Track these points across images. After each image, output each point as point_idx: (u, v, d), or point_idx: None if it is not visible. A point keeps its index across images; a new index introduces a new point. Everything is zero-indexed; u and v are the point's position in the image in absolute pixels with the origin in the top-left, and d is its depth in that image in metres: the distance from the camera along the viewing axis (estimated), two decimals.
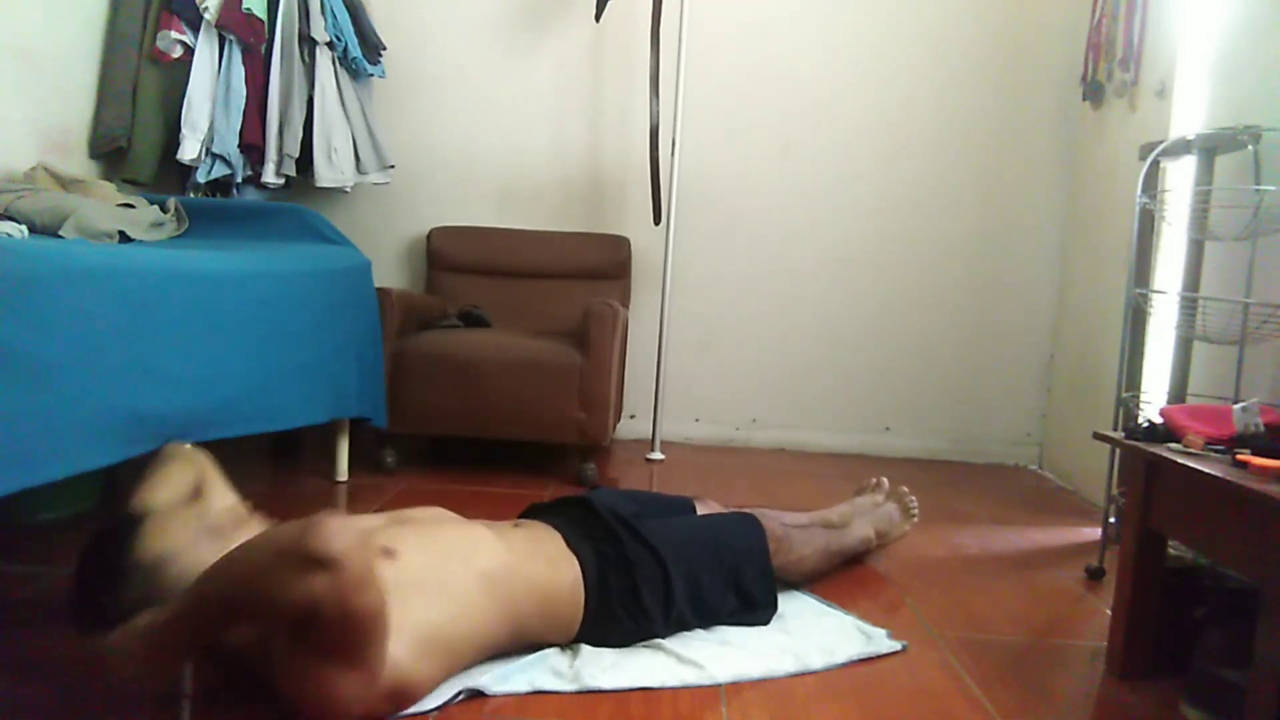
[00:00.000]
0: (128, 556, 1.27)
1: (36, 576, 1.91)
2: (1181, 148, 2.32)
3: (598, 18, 3.39)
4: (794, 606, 1.93)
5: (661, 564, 1.70)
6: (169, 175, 3.08)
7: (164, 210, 2.53)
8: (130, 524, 1.31)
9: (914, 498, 2.32)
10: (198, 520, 1.36)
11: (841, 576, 2.17)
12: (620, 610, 1.66)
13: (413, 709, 1.42)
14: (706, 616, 1.78)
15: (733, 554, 1.84)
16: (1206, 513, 1.57)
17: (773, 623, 1.84)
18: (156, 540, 1.29)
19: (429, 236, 3.49)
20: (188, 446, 1.49)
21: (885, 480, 2.40)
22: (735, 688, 1.59)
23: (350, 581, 1.18)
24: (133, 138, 2.94)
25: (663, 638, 1.70)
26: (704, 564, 1.78)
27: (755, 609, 1.84)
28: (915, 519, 2.32)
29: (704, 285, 3.60)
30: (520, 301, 3.42)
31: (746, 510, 2.01)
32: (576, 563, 1.65)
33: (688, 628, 1.75)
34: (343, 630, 1.22)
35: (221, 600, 1.23)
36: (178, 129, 2.97)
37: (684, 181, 3.39)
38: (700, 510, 2.08)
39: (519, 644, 1.60)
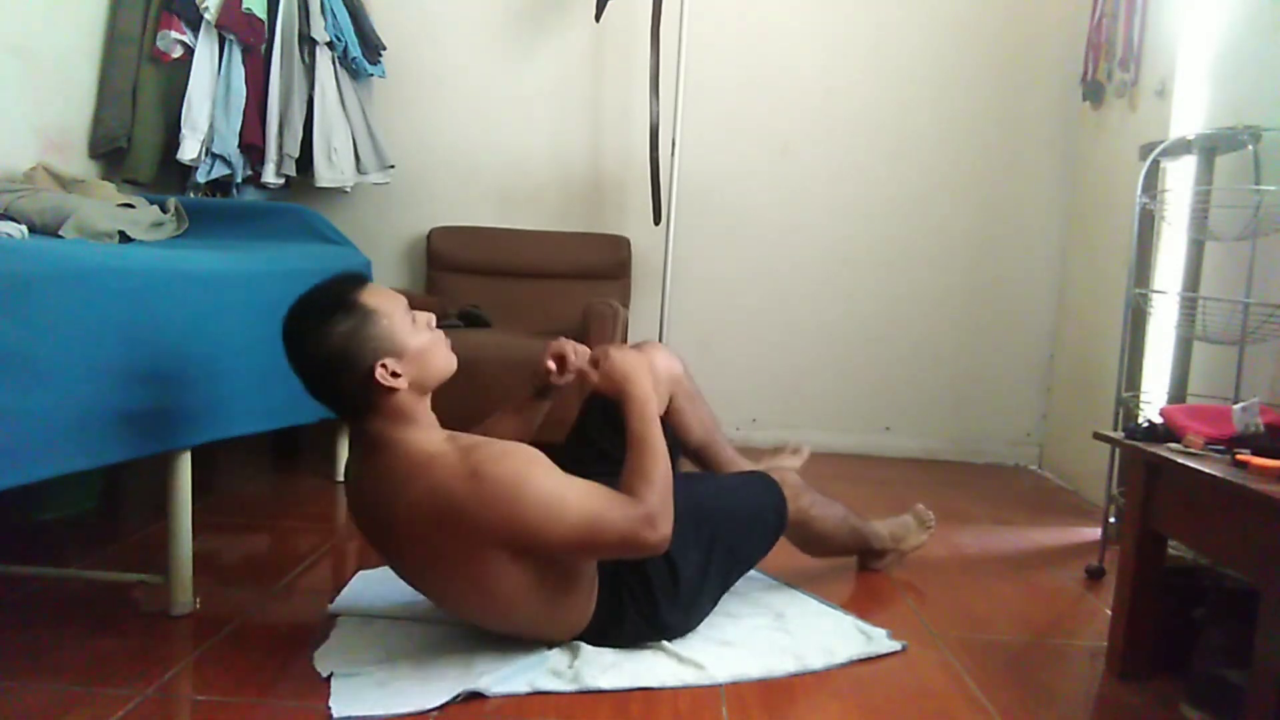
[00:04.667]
0: (355, 296, 1.47)
1: (36, 577, 1.91)
2: (1181, 148, 2.32)
3: (598, 18, 3.39)
4: (794, 607, 1.94)
5: (668, 557, 1.69)
6: (169, 175, 3.08)
7: (164, 210, 2.53)
8: (361, 280, 1.53)
9: (932, 513, 2.31)
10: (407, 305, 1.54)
11: (842, 577, 2.17)
12: (631, 608, 1.66)
13: (413, 709, 1.43)
14: (724, 589, 1.82)
15: (745, 519, 1.85)
16: (1206, 513, 1.57)
17: (773, 623, 1.85)
18: (379, 297, 1.50)
19: (429, 236, 3.49)
20: None
21: (805, 448, 2.43)
22: (735, 688, 1.59)
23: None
24: (133, 138, 2.94)
25: (670, 637, 1.70)
26: (718, 542, 1.77)
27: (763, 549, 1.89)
28: (932, 530, 2.30)
29: (704, 285, 3.60)
30: (520, 301, 3.42)
31: (760, 472, 2.00)
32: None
33: (704, 613, 1.77)
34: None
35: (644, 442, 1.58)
36: (178, 129, 2.97)
37: (684, 181, 3.39)
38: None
39: (530, 635, 1.62)
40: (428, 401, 1.56)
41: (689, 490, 1.83)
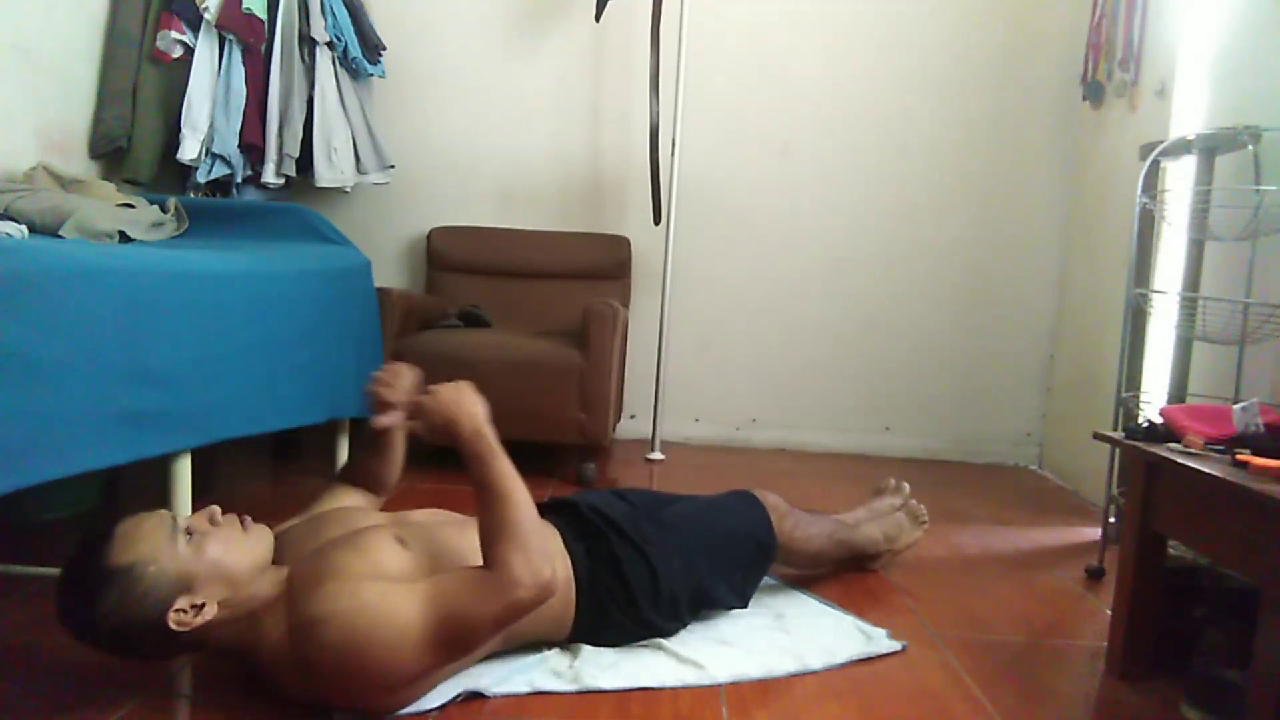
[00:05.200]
0: (103, 563, 1.27)
1: (36, 577, 1.90)
2: (1181, 148, 2.32)
3: (598, 18, 3.39)
4: (794, 607, 1.94)
5: (648, 562, 1.69)
6: (169, 175, 3.08)
7: (164, 210, 2.53)
8: (103, 534, 1.31)
9: (924, 507, 2.31)
10: (171, 524, 1.35)
11: (842, 577, 2.17)
12: (614, 609, 1.66)
13: (413, 709, 1.42)
14: (709, 605, 1.80)
15: (732, 536, 1.85)
16: (1206, 513, 1.57)
17: (773, 623, 1.85)
18: (129, 547, 1.29)
19: (429, 236, 3.49)
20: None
21: (906, 484, 2.36)
22: (735, 688, 1.59)
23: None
24: (133, 138, 2.94)
25: (663, 635, 1.70)
26: (703, 552, 1.78)
27: (756, 579, 1.88)
28: (926, 526, 2.30)
29: (704, 285, 3.60)
30: (520, 301, 3.42)
31: (745, 490, 2.00)
32: (569, 561, 1.65)
33: (686, 618, 1.76)
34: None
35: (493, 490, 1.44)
36: (178, 129, 2.97)
37: (684, 181, 3.39)
38: None
39: (513, 640, 1.60)
40: (257, 585, 1.37)
41: (673, 507, 1.86)
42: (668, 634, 1.72)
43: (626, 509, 1.81)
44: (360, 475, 1.77)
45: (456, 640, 1.37)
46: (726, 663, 1.64)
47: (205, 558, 1.33)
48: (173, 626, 1.28)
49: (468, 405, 1.51)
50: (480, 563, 1.43)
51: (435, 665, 1.38)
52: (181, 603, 1.29)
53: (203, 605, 1.31)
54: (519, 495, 1.45)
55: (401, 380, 1.62)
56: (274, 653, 1.34)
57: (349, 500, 1.72)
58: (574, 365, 2.84)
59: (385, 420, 1.59)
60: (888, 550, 2.23)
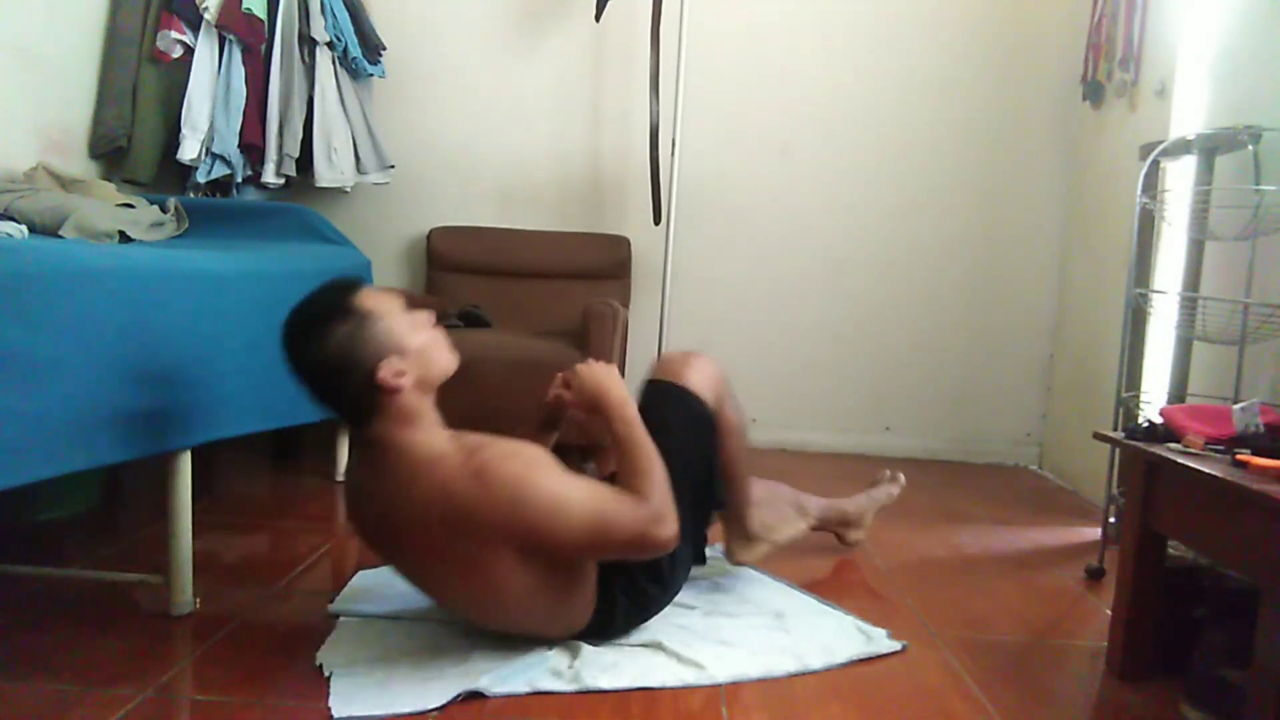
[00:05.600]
0: (351, 300, 1.46)
1: (36, 577, 1.91)
2: (1181, 148, 2.32)
3: (598, 18, 3.39)
4: (794, 606, 1.94)
5: None
6: (169, 175, 3.08)
7: (164, 210, 2.53)
8: (355, 283, 1.51)
9: (893, 473, 2.41)
10: (404, 303, 1.54)
11: (842, 576, 2.17)
12: (618, 590, 1.67)
13: (413, 709, 1.43)
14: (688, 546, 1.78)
15: (682, 445, 1.76)
16: (1206, 513, 1.57)
17: (773, 622, 1.85)
18: (375, 299, 1.49)
19: (429, 236, 3.49)
20: None
21: (901, 475, 2.44)
22: (735, 688, 1.59)
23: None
24: (133, 138, 2.94)
25: (659, 604, 1.73)
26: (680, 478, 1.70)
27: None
28: (901, 480, 2.40)
29: (704, 285, 3.60)
30: (520, 301, 3.42)
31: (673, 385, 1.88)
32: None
33: (671, 590, 1.77)
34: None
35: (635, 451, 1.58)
36: (178, 129, 2.97)
37: (684, 181, 3.39)
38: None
39: (537, 632, 1.63)
40: (431, 400, 1.55)
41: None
42: (667, 595, 1.75)
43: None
44: None
45: (596, 536, 1.49)
46: (726, 663, 1.65)
47: (420, 339, 1.52)
48: (380, 376, 1.45)
49: (617, 377, 1.69)
50: None
51: (571, 545, 1.49)
52: (393, 362, 1.46)
53: (403, 374, 1.47)
54: (659, 459, 1.59)
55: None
56: (428, 463, 1.46)
57: None
58: (574, 365, 2.83)
59: (556, 392, 1.77)
60: (862, 521, 2.31)
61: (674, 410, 1.81)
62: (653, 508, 1.51)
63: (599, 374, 1.68)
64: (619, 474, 1.59)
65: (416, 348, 1.50)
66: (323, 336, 1.45)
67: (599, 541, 1.50)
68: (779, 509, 2.21)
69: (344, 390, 1.49)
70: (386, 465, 1.49)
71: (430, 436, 1.51)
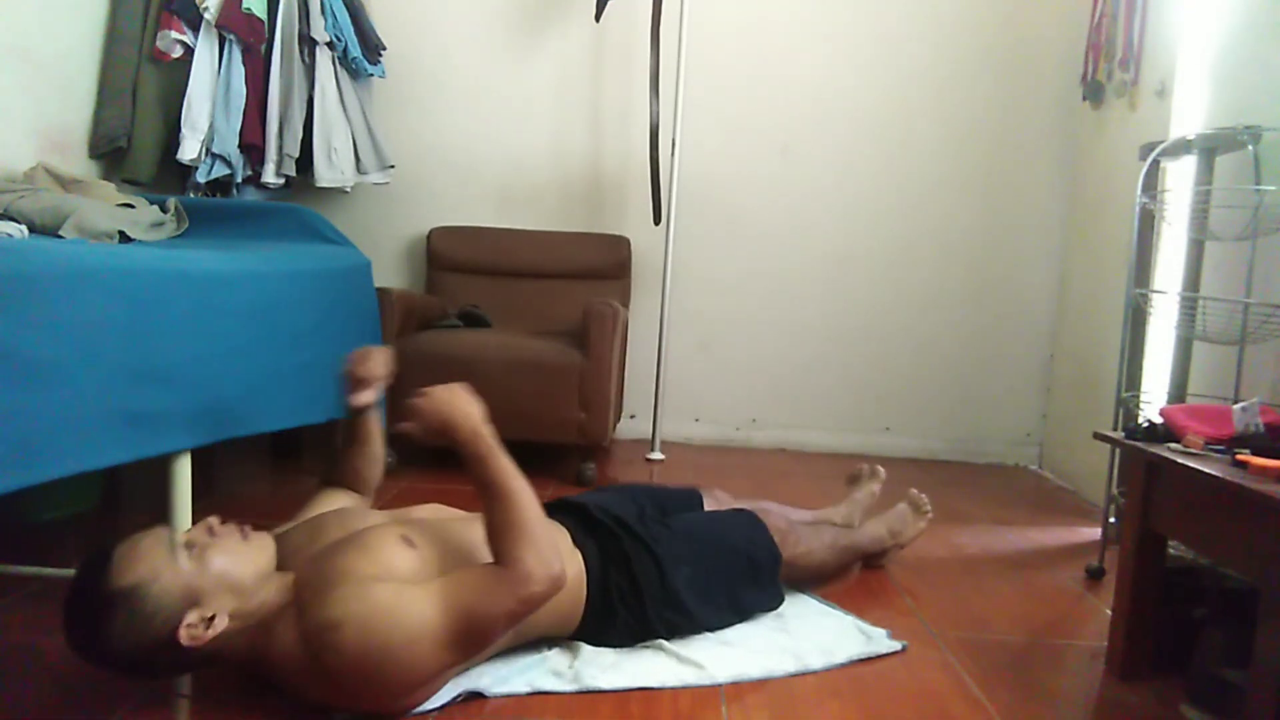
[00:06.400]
0: (105, 588, 1.25)
1: (36, 577, 1.90)
2: (1181, 148, 2.32)
3: (598, 18, 3.39)
4: (794, 607, 1.93)
5: (658, 563, 1.70)
6: (169, 175, 3.08)
7: (164, 210, 2.53)
8: (101, 558, 1.29)
9: (925, 496, 2.32)
10: (169, 540, 1.33)
11: (843, 576, 2.16)
12: (620, 607, 1.66)
13: (414, 709, 1.42)
14: (713, 615, 1.78)
15: (736, 552, 1.84)
16: (1206, 513, 1.57)
17: (773, 623, 1.85)
18: (129, 568, 1.27)
19: (429, 236, 3.49)
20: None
21: (880, 468, 2.41)
22: (735, 688, 1.59)
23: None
24: (133, 138, 2.94)
25: (664, 637, 1.70)
26: (708, 562, 1.78)
27: (763, 599, 1.86)
28: (929, 515, 2.31)
29: (704, 285, 3.60)
30: (520, 301, 3.42)
31: (746, 507, 2.01)
32: (580, 557, 1.66)
33: (692, 627, 1.74)
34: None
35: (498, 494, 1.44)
36: (178, 129, 2.97)
37: (684, 181, 3.39)
38: (708, 502, 2.09)
39: (521, 636, 1.60)
40: (265, 590, 1.37)
41: (683, 518, 1.87)
42: (669, 636, 1.71)
43: (635, 511, 1.83)
44: (344, 476, 1.78)
45: (473, 637, 1.38)
46: (726, 663, 1.64)
47: (209, 570, 1.31)
48: (185, 642, 1.27)
49: (463, 405, 1.50)
50: (489, 558, 1.44)
51: (452, 663, 1.39)
52: (192, 617, 1.28)
53: (213, 617, 1.30)
54: (522, 492, 1.46)
55: (373, 359, 1.66)
56: (287, 659, 1.34)
57: (340, 502, 1.71)
58: (574, 365, 2.84)
59: (361, 399, 1.63)
60: (894, 546, 2.24)
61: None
62: (516, 572, 1.38)
63: (441, 403, 1.49)
64: (485, 527, 1.45)
65: (211, 583, 1.30)
66: (105, 640, 1.26)
67: (483, 633, 1.39)
68: (898, 511, 2.27)
69: (171, 665, 1.35)
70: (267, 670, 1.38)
71: (271, 641, 1.35)
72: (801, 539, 1.97)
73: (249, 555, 1.37)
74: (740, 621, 1.83)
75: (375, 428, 1.77)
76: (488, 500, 1.45)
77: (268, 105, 3.10)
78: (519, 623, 1.46)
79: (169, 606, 1.27)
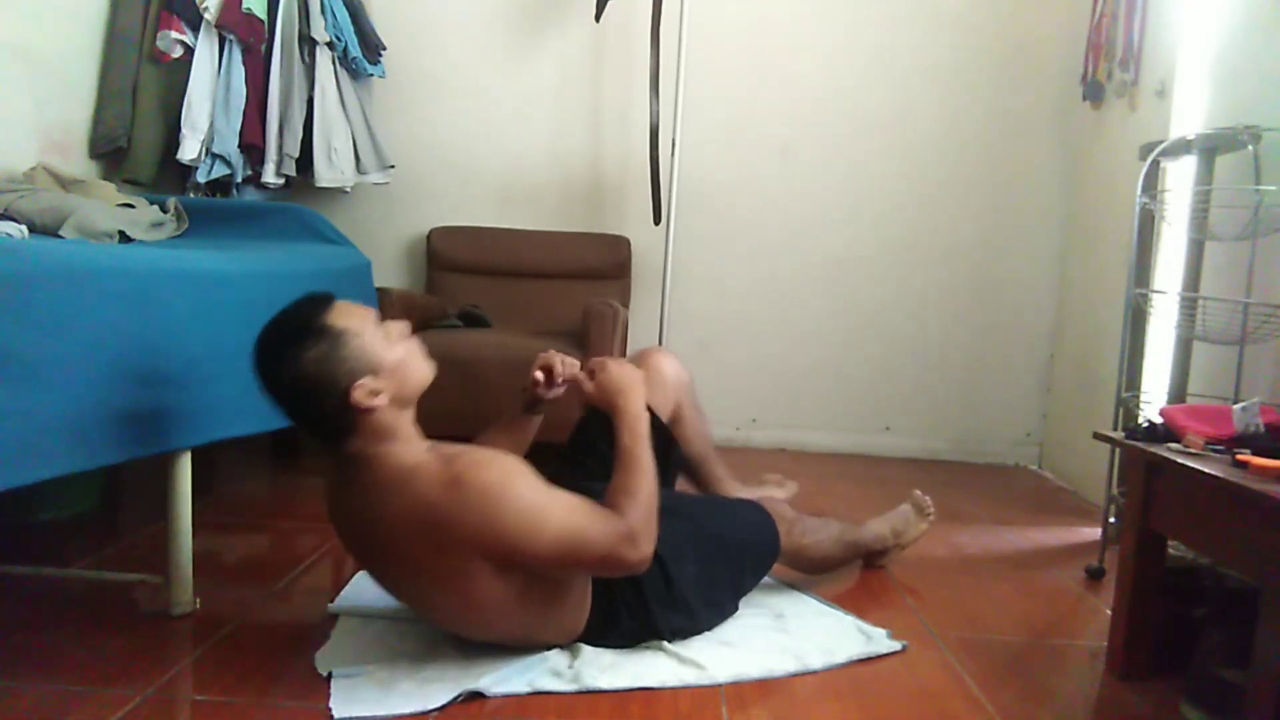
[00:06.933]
0: (324, 318, 1.43)
1: (36, 577, 1.91)
2: (1181, 148, 2.32)
3: (598, 18, 3.39)
4: (794, 607, 1.94)
5: (662, 563, 1.69)
6: (169, 175, 3.08)
7: (164, 210, 2.53)
8: (326, 298, 1.47)
9: (929, 498, 2.32)
10: (378, 318, 1.51)
11: (842, 577, 2.17)
12: (624, 612, 1.66)
13: (413, 709, 1.43)
14: (717, 615, 1.79)
15: (741, 545, 1.86)
16: (1206, 513, 1.57)
17: (773, 623, 1.85)
18: (348, 316, 1.45)
19: (429, 236, 3.49)
20: None
21: (793, 483, 2.50)
22: (735, 688, 1.59)
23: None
24: (133, 138, 2.94)
25: (667, 639, 1.69)
26: (712, 559, 1.78)
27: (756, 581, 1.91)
28: (931, 518, 2.31)
29: (704, 285, 3.60)
30: (520, 301, 3.42)
31: (751, 499, 2.02)
32: None
33: (695, 629, 1.74)
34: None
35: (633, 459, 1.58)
36: (178, 129, 2.97)
37: (684, 181, 3.39)
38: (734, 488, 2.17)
39: (526, 642, 1.61)
40: (410, 413, 1.52)
41: (688, 509, 1.86)
42: (673, 637, 1.71)
43: None
44: (503, 434, 1.87)
45: (570, 551, 1.46)
46: (726, 663, 1.64)
47: (395, 354, 1.48)
48: (353, 397, 1.41)
49: (639, 386, 1.68)
50: None
51: (545, 561, 1.46)
52: (367, 382, 1.43)
53: (379, 392, 1.43)
54: (652, 473, 1.58)
55: (570, 363, 1.79)
56: (416, 506, 1.41)
57: None
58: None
59: (553, 393, 1.79)
60: (896, 546, 2.24)
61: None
62: (627, 526, 1.48)
63: (625, 378, 1.68)
64: (611, 483, 1.57)
65: (391, 364, 1.46)
66: (295, 358, 1.41)
67: (571, 556, 1.47)
68: (901, 512, 2.28)
69: (319, 412, 1.45)
70: (364, 481, 1.47)
71: (407, 449, 1.48)
72: (807, 529, 1.98)
73: (423, 365, 1.54)
74: (734, 608, 1.85)
75: (534, 428, 1.90)
76: (624, 467, 1.58)
77: (268, 105, 3.10)
78: (599, 572, 1.56)
79: (358, 360, 1.42)
